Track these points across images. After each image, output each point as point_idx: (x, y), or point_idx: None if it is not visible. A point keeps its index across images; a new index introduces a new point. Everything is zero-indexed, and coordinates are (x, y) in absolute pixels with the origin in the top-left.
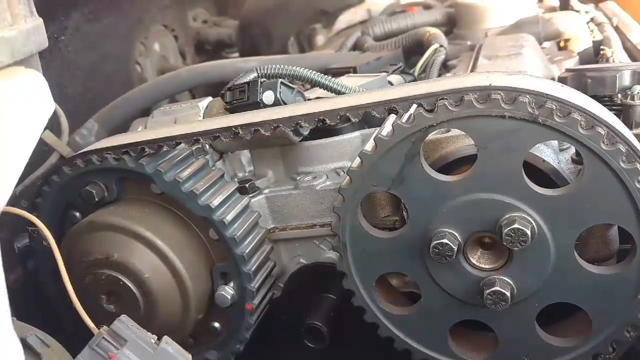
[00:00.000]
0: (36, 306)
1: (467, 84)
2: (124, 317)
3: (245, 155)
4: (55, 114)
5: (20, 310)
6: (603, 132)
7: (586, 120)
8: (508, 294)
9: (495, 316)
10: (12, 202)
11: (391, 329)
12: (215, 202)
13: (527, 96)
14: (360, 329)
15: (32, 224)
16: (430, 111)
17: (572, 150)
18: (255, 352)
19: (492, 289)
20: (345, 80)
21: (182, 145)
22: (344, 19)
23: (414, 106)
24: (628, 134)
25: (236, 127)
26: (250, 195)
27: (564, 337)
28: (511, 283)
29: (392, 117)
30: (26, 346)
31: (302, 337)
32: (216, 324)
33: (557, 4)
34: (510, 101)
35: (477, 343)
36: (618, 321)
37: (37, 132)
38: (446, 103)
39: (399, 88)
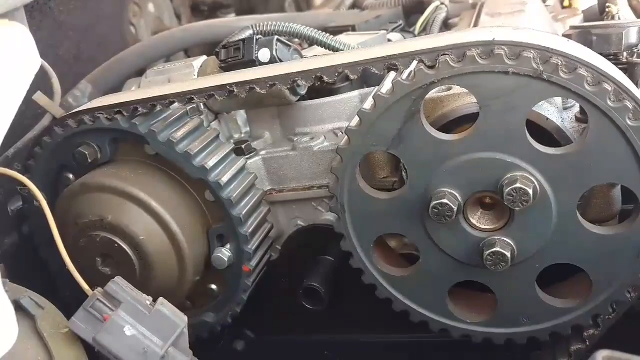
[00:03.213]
0: (32, 270)
1: (469, 39)
2: (118, 278)
3: (241, 115)
4: (47, 75)
5: (17, 274)
6: (610, 88)
7: (592, 76)
8: (508, 254)
9: (494, 277)
10: (5, 165)
11: (389, 290)
12: (211, 163)
13: (532, 51)
14: (358, 290)
15: (24, 185)
16: (431, 67)
17: (576, 108)
18: (252, 314)
19: (492, 249)
20: (343, 39)
21: (176, 104)
22: None
23: (415, 62)
24: (635, 90)
25: (231, 84)
26: (247, 156)
27: (564, 298)
28: (511, 244)
29: (392, 75)
30: (20, 308)
31: (300, 299)
32: (213, 286)
33: None
34: (514, 56)
35: (476, 304)
36: (619, 282)
37: (23, 88)
38: (448, 59)
39: (399, 43)
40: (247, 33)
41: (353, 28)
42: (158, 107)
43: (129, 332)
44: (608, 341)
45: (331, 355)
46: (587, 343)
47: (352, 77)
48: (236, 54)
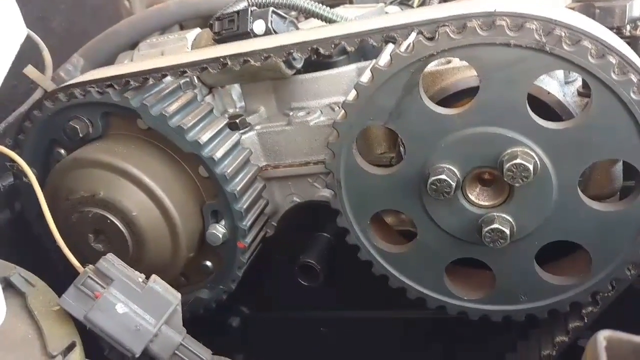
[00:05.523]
0: (24, 247)
1: (470, 10)
2: (110, 255)
3: (235, 90)
4: (38, 48)
5: (8, 252)
6: (614, 61)
7: (597, 49)
8: (507, 231)
9: (493, 254)
10: None
11: (386, 267)
12: (205, 138)
13: (535, 22)
14: (354, 267)
15: (13, 161)
16: (431, 39)
17: (578, 83)
18: (248, 291)
19: (491, 226)
20: (341, 11)
21: (169, 78)
22: None
23: (414, 34)
24: None
25: (224, 57)
26: (241, 131)
27: (563, 276)
28: (511, 220)
29: (390, 47)
30: (9, 285)
31: (296, 275)
32: (208, 263)
33: None
34: (516, 28)
35: (474, 282)
36: (619, 259)
37: (9, 58)
38: (448, 30)
39: (398, 15)
40: (241, 5)
41: (350, 1)
42: (151, 81)
43: (121, 310)
44: (607, 320)
45: (327, 332)
46: (586, 321)
47: (349, 49)
48: (230, 26)
